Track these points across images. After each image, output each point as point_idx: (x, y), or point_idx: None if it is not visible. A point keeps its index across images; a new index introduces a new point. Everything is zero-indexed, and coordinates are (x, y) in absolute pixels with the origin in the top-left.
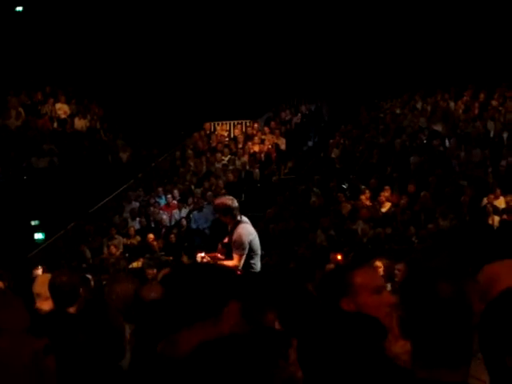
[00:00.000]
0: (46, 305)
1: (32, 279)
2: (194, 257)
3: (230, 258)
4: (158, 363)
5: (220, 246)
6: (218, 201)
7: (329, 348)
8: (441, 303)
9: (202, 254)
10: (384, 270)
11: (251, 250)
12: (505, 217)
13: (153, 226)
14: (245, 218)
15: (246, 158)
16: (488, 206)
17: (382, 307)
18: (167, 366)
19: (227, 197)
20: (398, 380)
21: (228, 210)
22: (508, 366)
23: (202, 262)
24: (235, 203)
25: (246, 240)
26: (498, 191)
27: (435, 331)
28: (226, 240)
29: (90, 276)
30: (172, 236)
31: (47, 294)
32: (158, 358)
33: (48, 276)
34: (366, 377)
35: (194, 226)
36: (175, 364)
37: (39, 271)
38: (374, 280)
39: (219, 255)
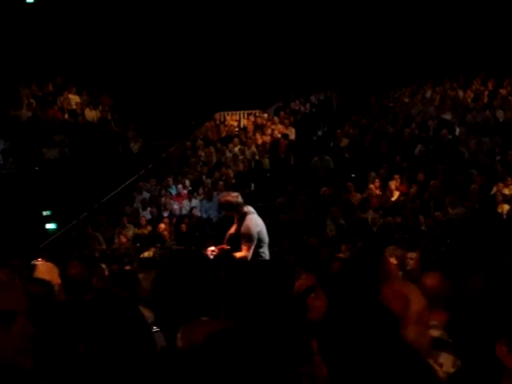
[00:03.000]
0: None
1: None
2: (205, 247)
3: (237, 248)
4: (173, 353)
5: (227, 236)
6: (222, 198)
7: (347, 336)
8: None
9: (212, 248)
10: (396, 259)
11: (260, 240)
12: None
13: (164, 215)
14: (251, 209)
15: (255, 148)
16: (497, 194)
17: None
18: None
19: (231, 193)
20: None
21: (232, 206)
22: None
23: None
24: (239, 199)
25: (255, 231)
26: (509, 179)
27: None
28: (232, 230)
29: (103, 265)
30: (183, 226)
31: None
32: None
33: (48, 265)
34: (385, 363)
35: (204, 215)
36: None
37: (38, 262)
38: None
39: (226, 247)
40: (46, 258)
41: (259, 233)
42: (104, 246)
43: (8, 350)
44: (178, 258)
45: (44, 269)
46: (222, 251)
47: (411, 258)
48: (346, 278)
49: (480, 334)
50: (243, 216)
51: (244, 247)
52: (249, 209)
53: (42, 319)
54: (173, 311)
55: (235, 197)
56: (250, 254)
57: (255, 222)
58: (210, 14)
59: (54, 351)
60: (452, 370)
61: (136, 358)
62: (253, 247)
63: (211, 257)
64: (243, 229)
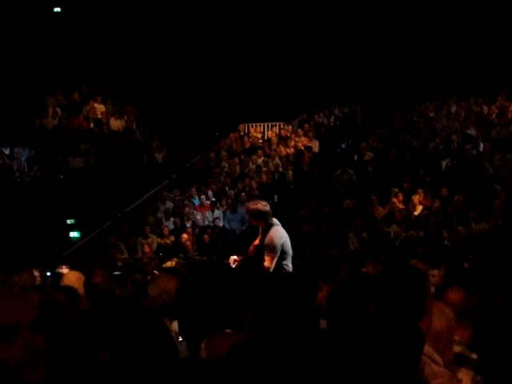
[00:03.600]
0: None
1: (57, 276)
2: (228, 258)
3: (261, 259)
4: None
5: (251, 247)
6: (252, 206)
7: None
8: None
9: (235, 257)
10: None
11: (283, 252)
12: None
13: (187, 226)
14: (276, 221)
15: (279, 160)
16: None
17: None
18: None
19: (260, 201)
20: None
21: (261, 214)
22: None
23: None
24: (268, 208)
25: (279, 243)
26: None
27: None
28: (257, 242)
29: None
30: (206, 236)
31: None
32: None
33: (76, 273)
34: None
35: (227, 226)
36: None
37: (64, 270)
38: None
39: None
40: (70, 266)
41: (283, 245)
42: (126, 256)
43: (11, 363)
44: (201, 270)
45: (72, 277)
46: (244, 261)
47: (433, 275)
48: (389, 295)
49: (506, 350)
50: (268, 227)
51: (267, 258)
52: (274, 221)
53: (63, 328)
54: (196, 322)
55: (264, 205)
56: (272, 265)
57: (280, 234)
58: (236, 26)
59: (75, 360)
60: None
61: (159, 369)
62: (276, 258)
63: (233, 265)
64: (267, 239)
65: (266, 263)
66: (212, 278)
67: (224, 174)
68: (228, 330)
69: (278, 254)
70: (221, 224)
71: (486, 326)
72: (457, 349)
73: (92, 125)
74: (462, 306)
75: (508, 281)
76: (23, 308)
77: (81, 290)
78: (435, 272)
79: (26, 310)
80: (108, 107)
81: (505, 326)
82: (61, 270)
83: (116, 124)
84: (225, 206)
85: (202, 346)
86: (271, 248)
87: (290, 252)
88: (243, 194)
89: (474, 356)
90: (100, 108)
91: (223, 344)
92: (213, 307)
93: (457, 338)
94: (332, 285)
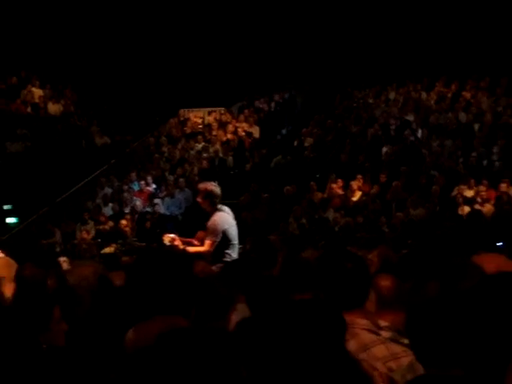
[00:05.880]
0: (8, 289)
1: None
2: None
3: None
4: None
5: (199, 233)
6: (203, 184)
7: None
8: None
9: (173, 236)
10: None
11: (227, 239)
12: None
13: (126, 211)
14: (226, 208)
15: (219, 146)
16: (458, 196)
17: None
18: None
19: (213, 183)
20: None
21: (209, 194)
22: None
23: (170, 250)
24: (218, 191)
25: (220, 228)
26: (471, 182)
27: None
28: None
29: (66, 258)
30: (145, 222)
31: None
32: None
33: (7, 259)
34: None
35: (167, 212)
36: (140, 354)
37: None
38: None
39: (195, 242)
40: (6, 252)
41: (226, 231)
42: (60, 241)
43: None
44: (150, 258)
45: (1, 263)
46: (187, 244)
47: (371, 259)
48: (333, 281)
49: (437, 335)
50: (214, 211)
51: (207, 241)
52: (223, 208)
53: None
54: (144, 310)
55: (214, 186)
56: (211, 249)
57: (224, 219)
58: (176, 10)
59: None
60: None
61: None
62: (216, 243)
63: (167, 243)
64: (210, 222)
65: (206, 247)
66: (161, 265)
67: (164, 159)
68: (158, 316)
69: (219, 239)
70: (160, 210)
71: (418, 312)
72: (387, 334)
73: (29, 109)
74: (393, 291)
75: (442, 267)
76: None
77: (10, 276)
78: (372, 255)
79: None
80: (46, 91)
81: (436, 312)
82: None
83: (54, 108)
84: (164, 192)
85: (130, 331)
86: (212, 231)
87: (235, 241)
88: (181, 179)
89: (405, 341)
90: (38, 92)
91: (151, 329)
92: (161, 295)
93: (386, 323)
94: (269, 271)
